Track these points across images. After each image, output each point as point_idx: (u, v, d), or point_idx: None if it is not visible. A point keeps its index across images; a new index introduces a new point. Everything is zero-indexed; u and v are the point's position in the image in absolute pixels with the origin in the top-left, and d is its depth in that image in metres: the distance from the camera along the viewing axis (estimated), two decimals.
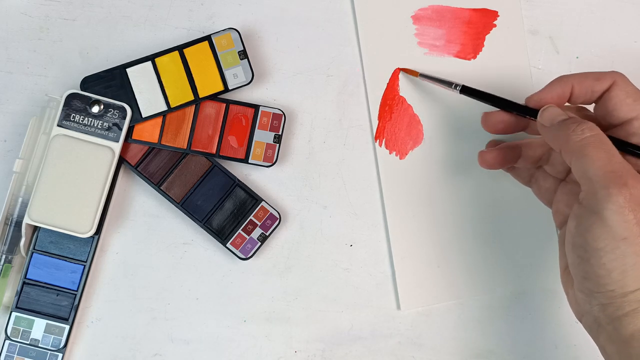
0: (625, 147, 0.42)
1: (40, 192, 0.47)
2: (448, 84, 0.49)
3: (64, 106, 0.47)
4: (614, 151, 0.40)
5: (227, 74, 0.50)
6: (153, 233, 0.51)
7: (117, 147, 0.48)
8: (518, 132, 0.48)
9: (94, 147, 0.47)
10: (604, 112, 0.44)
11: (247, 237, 0.50)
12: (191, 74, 0.49)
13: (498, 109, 0.47)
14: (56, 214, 0.47)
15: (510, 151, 0.48)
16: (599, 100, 0.44)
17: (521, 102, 0.46)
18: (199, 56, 0.49)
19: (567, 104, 0.46)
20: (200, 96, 0.49)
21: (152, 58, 0.49)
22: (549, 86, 0.45)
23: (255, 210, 0.50)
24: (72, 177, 0.47)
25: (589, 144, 0.40)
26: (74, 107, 0.48)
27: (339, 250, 0.51)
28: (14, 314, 0.48)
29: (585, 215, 0.39)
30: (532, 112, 0.45)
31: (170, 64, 0.49)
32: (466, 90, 0.48)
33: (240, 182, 0.50)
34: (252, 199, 0.50)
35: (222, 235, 0.50)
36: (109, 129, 0.48)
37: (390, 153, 0.52)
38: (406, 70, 0.52)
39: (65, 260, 0.49)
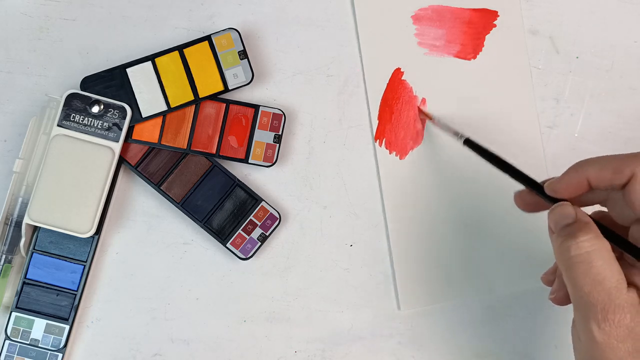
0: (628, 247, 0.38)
1: (40, 192, 0.47)
2: (454, 133, 0.48)
3: (64, 106, 0.47)
4: (605, 272, 0.36)
5: (227, 74, 0.50)
6: (153, 233, 0.51)
7: (117, 147, 0.48)
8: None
9: (94, 147, 0.47)
10: (622, 204, 0.39)
11: (247, 237, 0.50)
12: (191, 74, 0.49)
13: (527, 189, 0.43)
14: (56, 214, 0.47)
15: None
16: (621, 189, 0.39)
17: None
18: (199, 56, 0.49)
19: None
20: (200, 96, 0.49)
21: (152, 58, 0.49)
22: (565, 175, 0.39)
23: (255, 210, 0.50)
24: (72, 177, 0.47)
25: (576, 264, 0.36)
26: (74, 107, 0.48)
27: (339, 250, 0.51)
28: (14, 314, 0.48)
29: (574, 336, 0.38)
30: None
31: (170, 64, 0.49)
32: (468, 143, 0.47)
33: (240, 182, 0.50)
34: (252, 199, 0.50)
35: (222, 235, 0.50)
36: (109, 129, 0.48)
37: (390, 153, 0.52)
38: (423, 112, 0.52)
39: (65, 260, 0.49)
